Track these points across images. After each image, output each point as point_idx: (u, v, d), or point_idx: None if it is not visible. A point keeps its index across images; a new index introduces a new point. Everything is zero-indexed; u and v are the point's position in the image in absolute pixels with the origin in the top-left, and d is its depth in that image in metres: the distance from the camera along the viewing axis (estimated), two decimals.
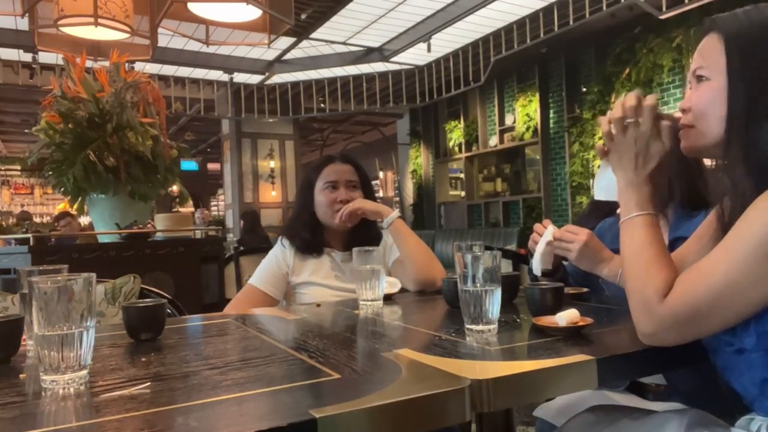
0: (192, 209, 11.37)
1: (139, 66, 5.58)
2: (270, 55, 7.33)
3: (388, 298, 1.48)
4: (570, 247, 1.29)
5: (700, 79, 0.93)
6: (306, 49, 7.13)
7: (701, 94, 0.93)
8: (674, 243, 1.37)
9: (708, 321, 0.81)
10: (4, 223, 10.81)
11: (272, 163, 9.65)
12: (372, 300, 1.38)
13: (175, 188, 3.36)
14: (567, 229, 1.32)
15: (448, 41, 6.71)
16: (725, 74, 0.89)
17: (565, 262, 1.56)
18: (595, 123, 6.33)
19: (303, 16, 6.05)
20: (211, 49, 6.42)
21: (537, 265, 1.36)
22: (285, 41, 6.68)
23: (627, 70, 6.03)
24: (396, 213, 1.71)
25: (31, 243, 2.43)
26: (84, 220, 6.54)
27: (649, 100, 0.97)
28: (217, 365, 0.87)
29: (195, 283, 2.80)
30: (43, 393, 0.75)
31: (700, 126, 0.94)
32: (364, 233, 1.76)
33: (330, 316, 1.38)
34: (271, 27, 3.65)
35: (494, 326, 1.00)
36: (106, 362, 0.91)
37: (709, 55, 0.92)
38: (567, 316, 0.96)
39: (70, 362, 0.76)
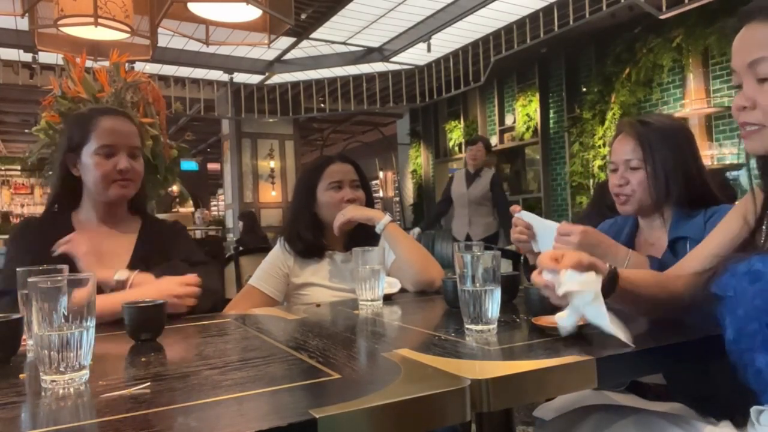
0: (192, 209, 11.38)
1: (139, 66, 5.57)
2: (270, 55, 7.32)
3: (387, 298, 1.48)
4: (570, 239, 1.30)
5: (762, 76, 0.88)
6: (306, 49, 7.13)
7: (748, 90, 0.89)
8: (674, 243, 1.37)
9: None
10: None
11: (272, 163, 9.65)
12: (372, 300, 1.38)
13: (175, 188, 3.36)
14: (562, 227, 1.33)
15: (448, 41, 6.71)
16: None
17: None
18: (594, 123, 6.33)
19: (303, 16, 6.04)
20: (211, 49, 6.41)
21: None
22: (285, 41, 6.68)
23: (627, 70, 6.02)
24: (387, 218, 1.70)
25: None
26: None
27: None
28: (217, 365, 0.87)
29: None
30: (43, 393, 0.75)
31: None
32: (364, 234, 1.76)
33: (330, 316, 1.38)
34: (271, 27, 3.65)
35: (494, 326, 1.00)
36: (106, 362, 0.91)
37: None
38: None
39: (70, 362, 0.76)
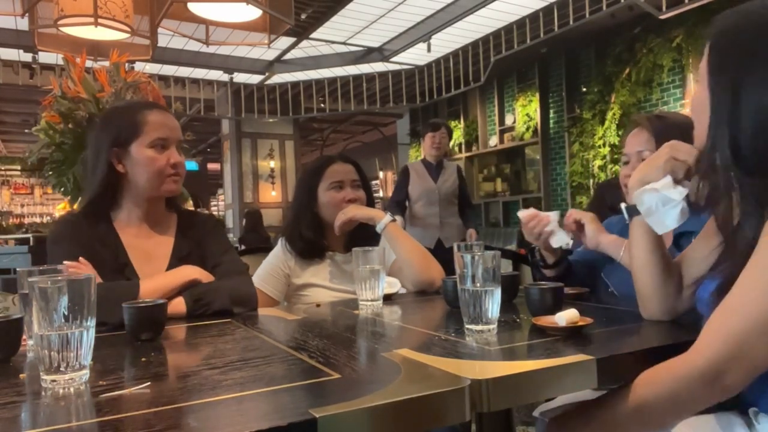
0: (192, 209, 11.36)
1: (139, 66, 5.57)
2: (270, 55, 7.32)
3: (387, 298, 1.48)
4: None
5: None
6: (306, 49, 7.13)
7: (693, 96, 0.94)
8: (680, 238, 1.38)
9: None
10: (4, 223, 10.80)
11: (272, 163, 9.64)
12: (372, 300, 1.38)
13: None
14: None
15: (448, 41, 6.71)
16: (706, 76, 0.89)
17: (571, 257, 1.57)
18: (594, 123, 6.33)
19: (303, 16, 6.04)
20: (211, 49, 6.41)
21: (562, 237, 1.45)
22: (285, 41, 6.68)
23: (627, 70, 6.03)
24: (388, 217, 1.71)
25: (31, 243, 2.43)
26: None
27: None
28: (217, 365, 0.87)
29: None
30: (43, 393, 0.75)
31: (696, 128, 0.95)
32: (364, 234, 1.76)
33: (330, 316, 1.38)
34: (271, 27, 3.65)
35: (494, 326, 1.00)
36: (106, 362, 0.91)
37: (703, 57, 0.92)
38: (567, 316, 0.96)
39: (70, 362, 0.76)
